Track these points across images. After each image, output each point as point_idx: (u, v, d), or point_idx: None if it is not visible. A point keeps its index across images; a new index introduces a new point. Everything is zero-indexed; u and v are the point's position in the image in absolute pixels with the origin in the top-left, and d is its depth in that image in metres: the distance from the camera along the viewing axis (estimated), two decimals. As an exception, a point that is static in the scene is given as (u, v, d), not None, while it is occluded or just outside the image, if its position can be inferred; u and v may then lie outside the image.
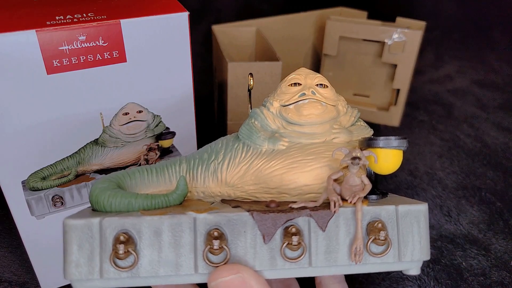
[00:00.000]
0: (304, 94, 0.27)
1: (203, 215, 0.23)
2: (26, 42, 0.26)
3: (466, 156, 0.56)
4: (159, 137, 0.35)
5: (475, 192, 0.49)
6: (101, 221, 0.22)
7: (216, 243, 0.22)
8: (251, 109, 0.31)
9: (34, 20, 0.28)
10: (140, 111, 0.32)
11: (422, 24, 0.59)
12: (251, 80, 0.32)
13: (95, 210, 0.25)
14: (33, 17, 0.28)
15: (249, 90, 0.32)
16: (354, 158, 0.23)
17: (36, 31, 0.26)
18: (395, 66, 0.59)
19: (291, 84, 0.28)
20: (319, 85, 0.28)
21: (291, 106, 0.27)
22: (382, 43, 0.58)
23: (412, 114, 0.65)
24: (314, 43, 0.67)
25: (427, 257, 0.24)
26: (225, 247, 0.23)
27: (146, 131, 0.34)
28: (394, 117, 0.62)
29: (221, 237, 0.23)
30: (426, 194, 0.49)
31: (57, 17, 0.28)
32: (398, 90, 0.60)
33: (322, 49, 0.61)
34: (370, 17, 0.65)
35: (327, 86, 0.28)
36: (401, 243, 0.24)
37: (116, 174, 0.27)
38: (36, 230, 0.33)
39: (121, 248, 0.22)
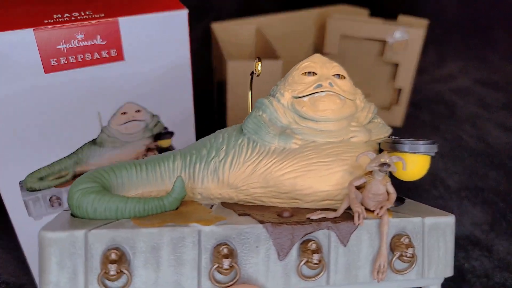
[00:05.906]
0: (320, 85, 0.24)
1: (209, 228, 0.20)
2: (23, 41, 0.26)
3: (468, 156, 0.55)
4: (157, 137, 0.34)
5: (478, 193, 0.49)
6: (87, 234, 0.19)
7: (226, 262, 0.20)
8: (251, 96, 0.28)
9: (32, 18, 0.27)
10: (138, 111, 0.32)
11: (424, 22, 0.58)
12: (259, 65, 0.28)
13: (75, 216, 0.22)
14: (31, 16, 0.28)
15: (252, 74, 0.28)
16: (382, 164, 0.21)
17: (33, 29, 0.26)
18: (397, 65, 0.59)
19: (305, 73, 0.25)
20: (336, 76, 0.25)
21: (305, 99, 0.24)
22: (384, 42, 0.58)
23: (415, 113, 0.65)
24: (315, 41, 0.67)
25: (450, 273, 0.22)
26: (235, 265, 0.20)
27: (144, 131, 0.33)
28: (396, 116, 0.62)
29: (231, 254, 0.20)
30: (428, 195, 0.48)
31: (54, 16, 0.28)
32: (400, 90, 0.60)
33: (323, 47, 0.61)
34: (372, 15, 0.65)
35: (344, 77, 0.25)
36: (425, 259, 0.22)
37: (99, 172, 0.23)
38: (34, 231, 0.32)
39: (113, 269, 0.19)
